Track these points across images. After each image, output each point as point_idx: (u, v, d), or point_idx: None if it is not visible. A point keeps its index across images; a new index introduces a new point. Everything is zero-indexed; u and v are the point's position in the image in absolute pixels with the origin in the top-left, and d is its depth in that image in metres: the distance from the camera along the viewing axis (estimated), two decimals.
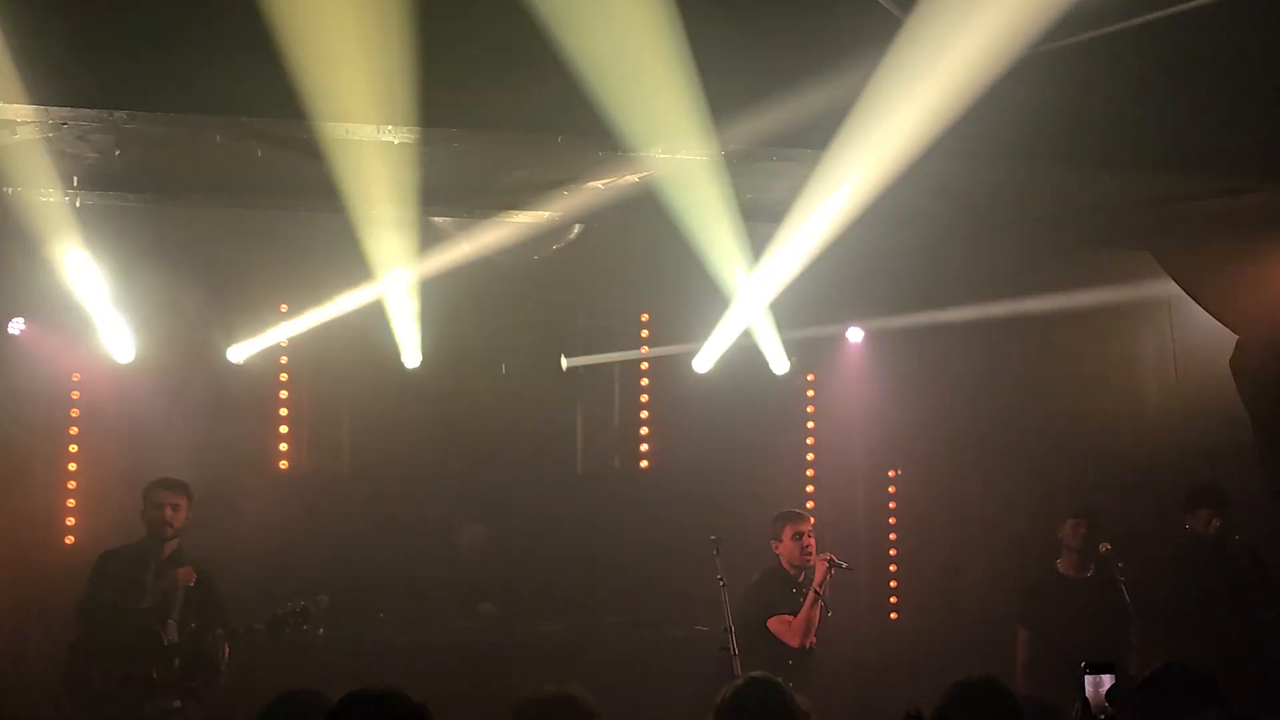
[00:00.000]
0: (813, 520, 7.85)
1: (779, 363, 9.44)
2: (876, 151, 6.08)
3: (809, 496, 9.86)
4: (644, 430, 9.96)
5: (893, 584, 10.02)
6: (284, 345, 9.18)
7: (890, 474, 10.12)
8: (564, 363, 9.62)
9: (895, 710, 4.13)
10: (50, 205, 6.95)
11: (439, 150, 6.29)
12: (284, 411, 9.38)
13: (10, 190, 6.73)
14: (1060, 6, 5.60)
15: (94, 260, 7.74)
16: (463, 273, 8.28)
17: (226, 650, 7.25)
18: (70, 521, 8.82)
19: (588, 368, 9.74)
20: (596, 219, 7.59)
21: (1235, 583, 7.67)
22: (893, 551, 10.06)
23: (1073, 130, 6.34)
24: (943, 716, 4.18)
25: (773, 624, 7.49)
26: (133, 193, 7.00)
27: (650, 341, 9.94)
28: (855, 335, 10.03)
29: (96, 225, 7.36)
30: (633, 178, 6.77)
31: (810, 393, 10.20)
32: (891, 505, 10.12)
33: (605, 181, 6.84)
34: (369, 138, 5.92)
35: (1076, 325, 9.14)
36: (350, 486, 9.32)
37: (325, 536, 8.91)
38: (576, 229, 8.26)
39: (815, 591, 7.45)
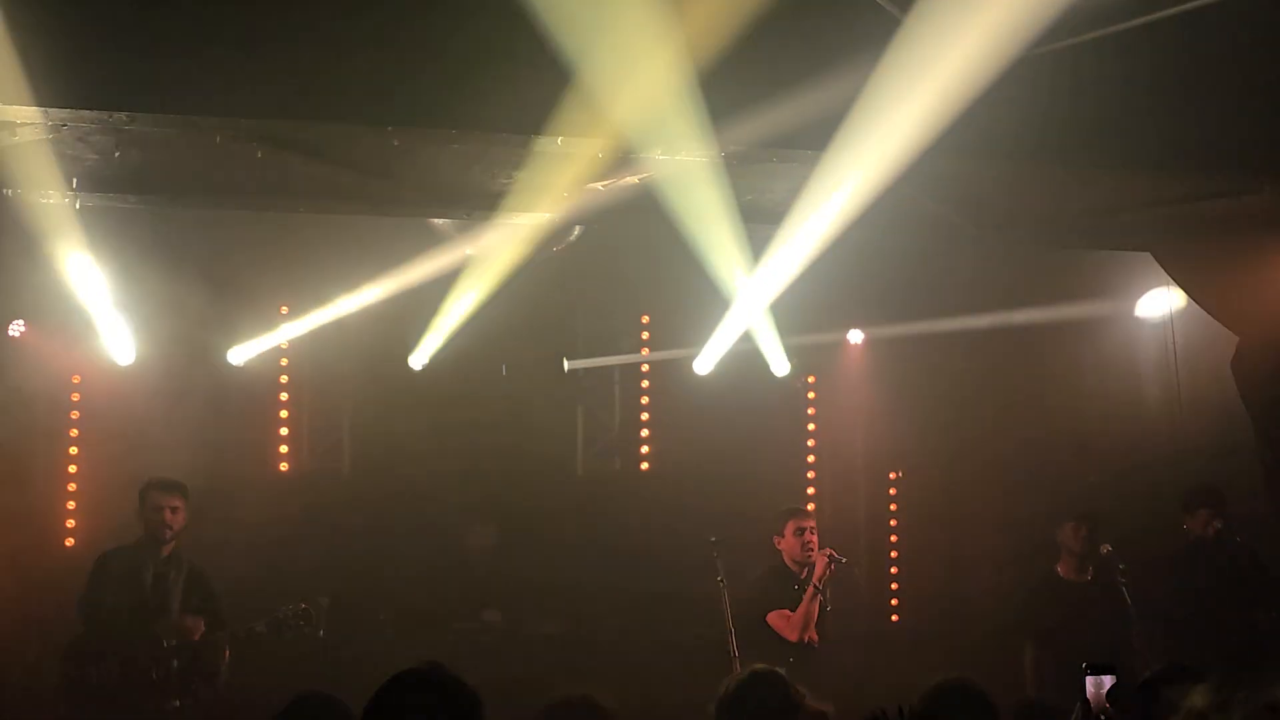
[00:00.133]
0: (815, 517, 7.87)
1: (779, 365, 9.43)
2: (876, 152, 6.08)
3: (809, 498, 9.85)
4: (644, 432, 9.95)
5: (894, 586, 10.02)
6: (284, 347, 9.18)
7: (891, 476, 10.12)
8: (565, 365, 9.63)
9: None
10: (50, 207, 6.93)
11: (439, 150, 6.29)
12: (284, 413, 9.37)
13: (10, 192, 6.70)
14: (1059, 7, 5.61)
15: (94, 262, 7.71)
16: (463, 274, 8.27)
17: (226, 651, 7.26)
18: (70, 523, 8.80)
19: (588, 370, 9.74)
20: (596, 221, 7.59)
21: (1235, 584, 7.67)
22: (894, 554, 10.07)
23: (1072, 131, 6.34)
24: (918, 717, 4.17)
25: (772, 618, 7.52)
26: (133, 194, 6.97)
27: (651, 344, 9.94)
28: (856, 337, 10.02)
29: (97, 227, 7.33)
30: (632, 179, 6.77)
31: (811, 395, 10.20)
32: (892, 507, 10.11)
33: (605, 183, 6.83)
34: (369, 138, 5.91)
35: (1077, 326, 9.13)
36: (350, 488, 9.33)
37: (325, 538, 8.88)
38: (576, 231, 8.25)
39: (814, 586, 7.48)
